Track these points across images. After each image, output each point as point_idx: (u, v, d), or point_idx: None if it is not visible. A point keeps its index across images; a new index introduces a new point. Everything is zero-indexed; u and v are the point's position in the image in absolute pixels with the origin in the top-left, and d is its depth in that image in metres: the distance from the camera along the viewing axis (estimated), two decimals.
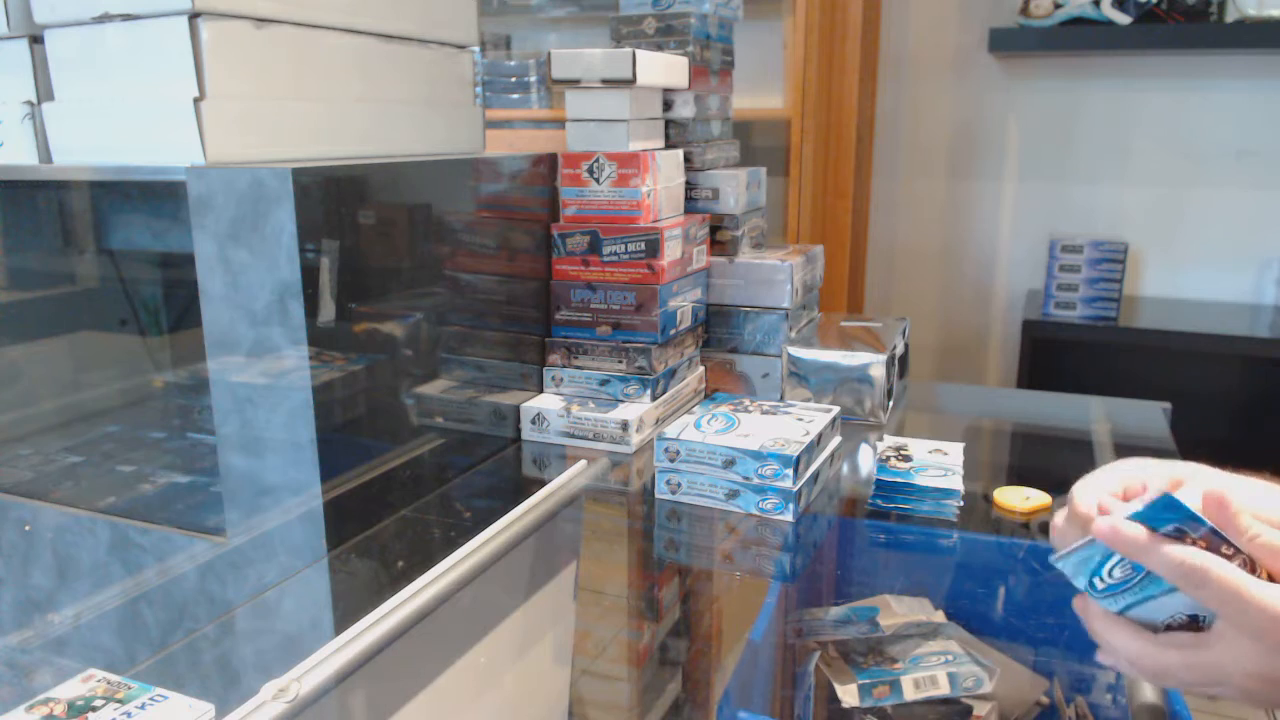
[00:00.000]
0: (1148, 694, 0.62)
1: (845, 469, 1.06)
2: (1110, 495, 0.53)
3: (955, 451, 1.04)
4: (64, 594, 0.97)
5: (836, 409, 1.05)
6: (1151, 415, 1.23)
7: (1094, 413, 1.28)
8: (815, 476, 0.96)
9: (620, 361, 1.13)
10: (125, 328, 1.22)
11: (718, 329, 1.27)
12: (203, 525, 0.90)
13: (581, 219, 1.13)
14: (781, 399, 1.22)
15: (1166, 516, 0.48)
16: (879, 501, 0.95)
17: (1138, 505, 0.50)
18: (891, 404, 1.21)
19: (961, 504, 0.93)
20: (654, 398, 1.12)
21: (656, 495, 0.96)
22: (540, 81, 2.39)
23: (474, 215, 1.04)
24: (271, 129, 0.89)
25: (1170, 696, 0.63)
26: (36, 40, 0.90)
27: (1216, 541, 0.48)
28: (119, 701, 0.50)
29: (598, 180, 1.12)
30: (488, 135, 1.22)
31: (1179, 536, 0.48)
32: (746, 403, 1.05)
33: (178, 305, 1.20)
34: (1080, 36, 2.15)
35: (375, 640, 0.45)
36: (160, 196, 1.09)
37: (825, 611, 0.84)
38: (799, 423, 0.99)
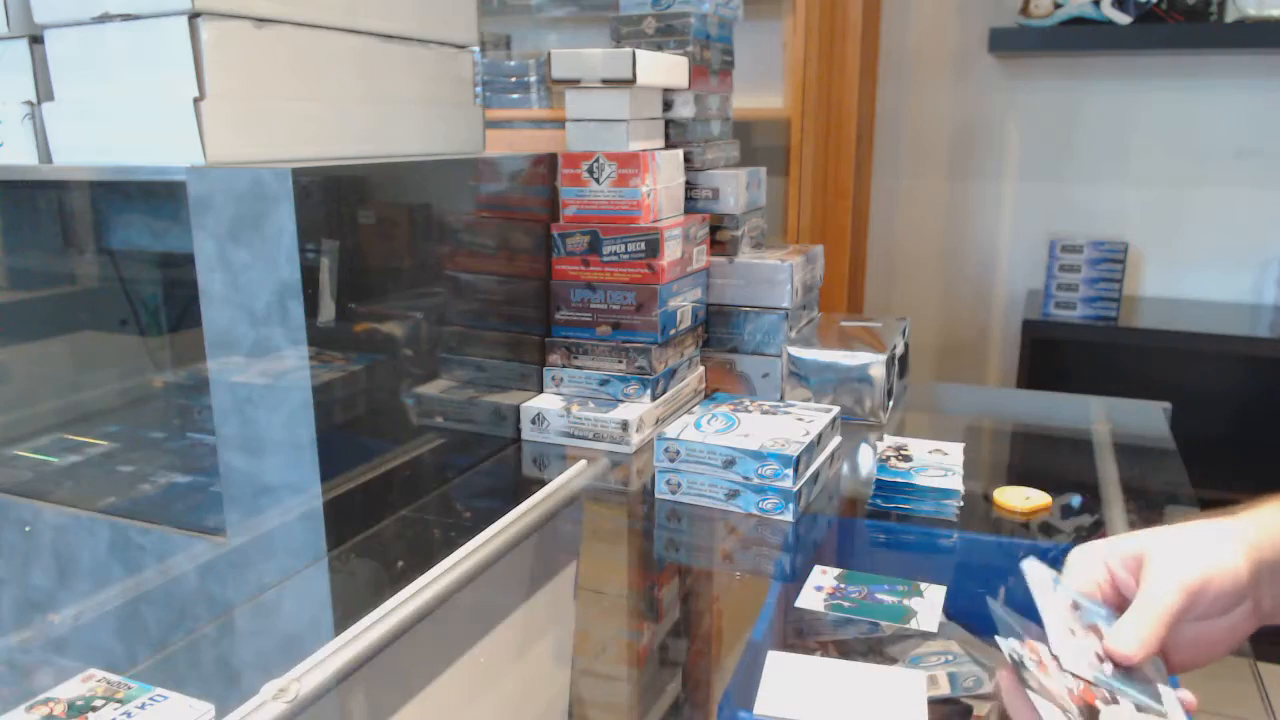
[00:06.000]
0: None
1: (845, 469, 1.06)
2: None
3: (955, 451, 1.04)
4: (64, 594, 0.97)
5: (836, 409, 1.05)
6: (1151, 415, 1.23)
7: (1094, 413, 1.28)
8: (815, 476, 0.96)
9: (620, 361, 1.13)
10: (125, 328, 1.22)
11: (718, 329, 1.27)
12: (203, 525, 0.90)
13: (581, 219, 1.13)
14: (781, 399, 1.22)
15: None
16: (879, 501, 0.95)
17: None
18: (891, 404, 1.21)
19: (961, 504, 0.93)
20: (654, 398, 1.12)
21: (656, 495, 0.96)
22: (540, 81, 2.38)
23: (474, 215, 1.04)
24: (271, 129, 0.89)
25: None
26: (36, 40, 0.89)
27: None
28: (119, 701, 0.50)
29: (598, 180, 1.12)
30: (488, 135, 1.22)
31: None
32: (746, 403, 1.05)
33: (178, 305, 1.19)
34: (1080, 36, 2.15)
35: (375, 640, 0.45)
36: (160, 196, 1.08)
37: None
38: (799, 423, 0.99)
